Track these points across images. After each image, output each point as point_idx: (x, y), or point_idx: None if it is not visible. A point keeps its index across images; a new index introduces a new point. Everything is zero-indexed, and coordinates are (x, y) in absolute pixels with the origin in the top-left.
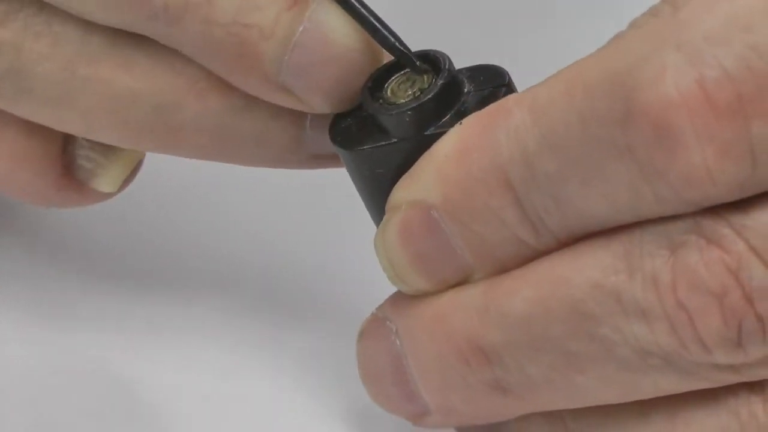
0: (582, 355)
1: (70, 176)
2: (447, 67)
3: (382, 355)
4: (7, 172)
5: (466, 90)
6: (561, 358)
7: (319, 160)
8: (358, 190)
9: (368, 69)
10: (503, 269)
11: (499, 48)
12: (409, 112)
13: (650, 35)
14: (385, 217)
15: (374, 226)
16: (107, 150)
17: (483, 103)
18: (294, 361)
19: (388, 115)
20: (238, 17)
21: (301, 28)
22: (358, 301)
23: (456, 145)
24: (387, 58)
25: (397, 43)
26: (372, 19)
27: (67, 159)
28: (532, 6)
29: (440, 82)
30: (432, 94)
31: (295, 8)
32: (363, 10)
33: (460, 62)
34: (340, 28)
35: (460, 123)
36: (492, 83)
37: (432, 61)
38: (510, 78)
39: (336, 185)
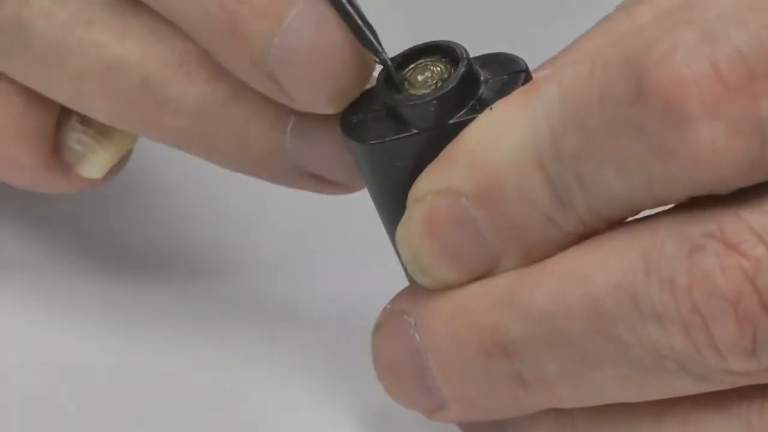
0: (598, 353)
1: (60, 157)
2: (465, 56)
3: (400, 349)
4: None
5: (482, 78)
6: (578, 355)
7: (296, 176)
8: (371, 185)
9: (363, 67)
10: (531, 257)
11: (499, 45)
12: (434, 102)
13: (665, 15)
14: (407, 211)
15: (379, 221)
16: (99, 134)
17: (503, 89)
18: (297, 357)
19: (411, 106)
20: None
21: (294, 12)
22: (361, 297)
23: (486, 130)
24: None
25: (381, 50)
26: (358, 20)
27: (58, 139)
28: (532, 4)
29: (462, 70)
30: (455, 82)
31: None
32: (350, 9)
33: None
34: (333, 19)
35: (491, 108)
36: (508, 69)
37: (446, 50)
38: (527, 64)
39: None
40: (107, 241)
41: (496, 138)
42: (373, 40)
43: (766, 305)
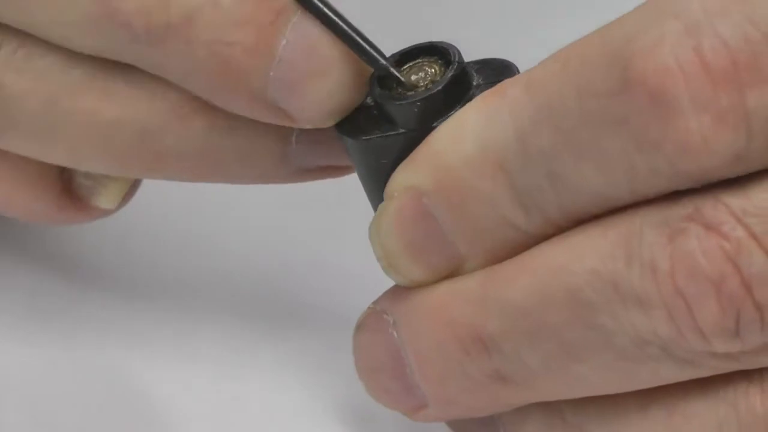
0: (580, 343)
1: (71, 195)
2: (456, 59)
3: (380, 348)
4: (7, 195)
5: (475, 83)
6: (559, 346)
7: (305, 173)
8: (362, 180)
9: (357, 81)
10: (495, 258)
11: (495, 47)
12: (418, 104)
13: (648, 8)
14: (380, 205)
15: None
16: None
17: None
18: (292, 360)
19: (397, 106)
20: (220, 35)
21: (284, 42)
22: (355, 298)
23: (451, 130)
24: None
25: (376, 55)
26: (350, 31)
27: (66, 178)
28: (529, 5)
29: (450, 74)
30: (441, 86)
31: (276, 22)
32: (341, 24)
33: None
34: (323, 40)
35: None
36: (500, 76)
37: (441, 52)
38: (519, 71)
39: (335, 181)
40: (106, 246)
41: (458, 138)
42: (371, 50)
43: (749, 286)
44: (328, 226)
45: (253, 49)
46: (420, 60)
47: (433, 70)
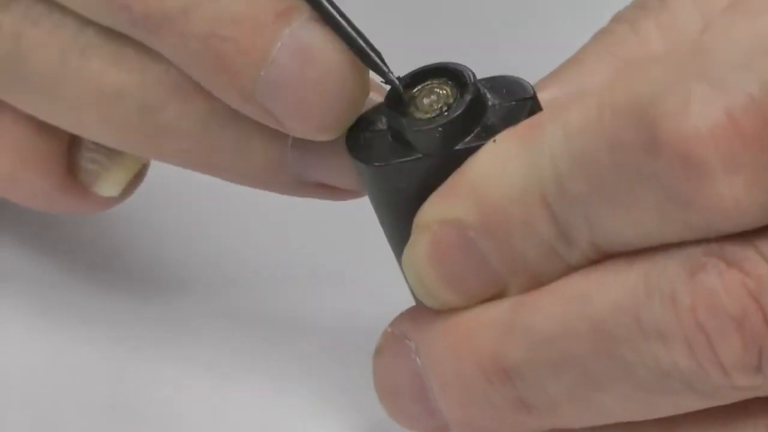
0: (602, 373)
1: (74, 179)
2: (473, 81)
3: (402, 372)
4: (12, 171)
5: (490, 103)
6: (582, 376)
7: (302, 186)
8: (375, 205)
9: (355, 95)
10: (537, 284)
11: (494, 48)
12: (439, 129)
13: (673, 62)
14: (413, 236)
15: (381, 232)
16: (111, 153)
17: (509, 116)
18: (297, 371)
19: (417, 131)
20: (215, 30)
21: (279, 45)
22: (364, 309)
23: (491, 163)
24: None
25: (387, 71)
26: (361, 43)
27: (71, 161)
28: (527, 7)
29: (468, 96)
30: (462, 109)
31: (275, 24)
32: (353, 33)
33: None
34: (322, 49)
35: (494, 140)
36: (515, 96)
37: (453, 73)
38: (534, 91)
39: None
40: (108, 248)
41: (500, 171)
42: (379, 62)
43: None
44: (333, 238)
45: (246, 47)
46: (429, 82)
47: (444, 92)
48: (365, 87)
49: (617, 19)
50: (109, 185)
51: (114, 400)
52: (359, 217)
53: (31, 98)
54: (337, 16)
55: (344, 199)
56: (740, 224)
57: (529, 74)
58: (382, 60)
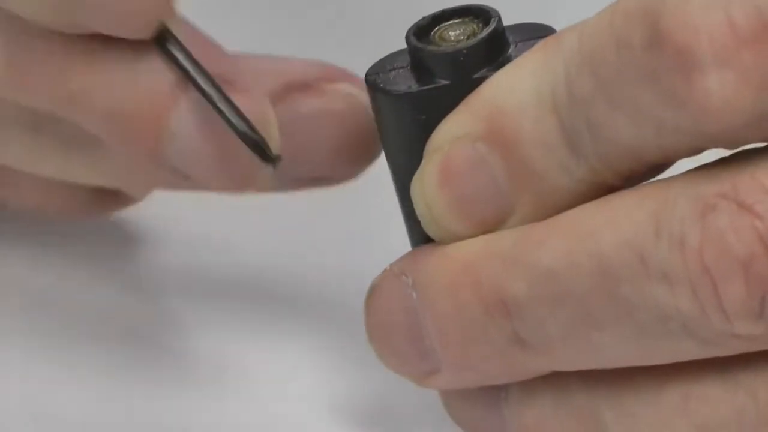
0: (602, 313)
1: (103, 190)
2: (497, 15)
3: (396, 310)
4: (43, 199)
5: (511, 41)
6: (581, 314)
7: (289, 183)
8: (389, 143)
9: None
10: (544, 206)
11: None
12: (464, 52)
13: None
14: (424, 161)
15: (384, 215)
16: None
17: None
18: (297, 353)
19: (439, 56)
20: (116, 106)
21: (173, 116)
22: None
23: (507, 78)
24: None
25: (245, 128)
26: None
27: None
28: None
29: (493, 25)
30: (485, 34)
31: (173, 94)
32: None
33: None
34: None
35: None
36: (537, 34)
37: (477, 12)
38: (554, 29)
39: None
40: (110, 237)
41: (514, 84)
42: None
43: None
44: (333, 221)
45: (145, 120)
46: (454, 20)
47: (470, 28)
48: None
49: None
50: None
51: (113, 400)
52: (359, 212)
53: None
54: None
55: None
56: (728, 128)
57: None
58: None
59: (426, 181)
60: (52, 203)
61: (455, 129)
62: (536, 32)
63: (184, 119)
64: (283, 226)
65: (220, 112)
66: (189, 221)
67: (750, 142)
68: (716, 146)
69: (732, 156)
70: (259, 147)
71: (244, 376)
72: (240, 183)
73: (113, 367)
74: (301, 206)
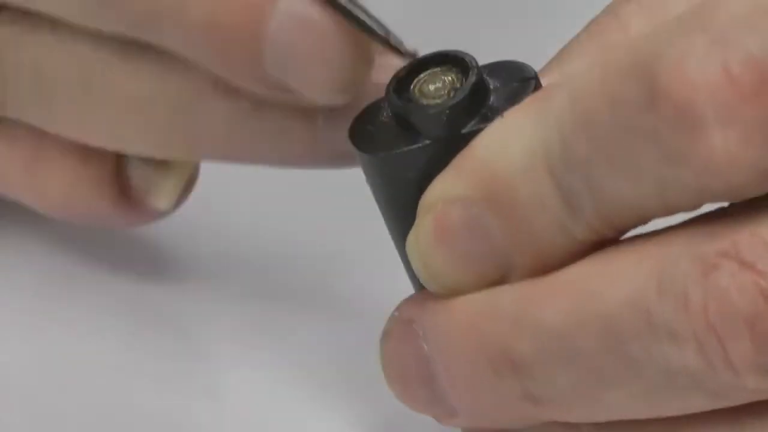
0: (611, 371)
1: (127, 196)
2: (475, 64)
3: (409, 357)
4: (65, 198)
5: (492, 87)
6: (590, 373)
7: (336, 159)
8: (381, 197)
9: (361, 53)
10: (544, 264)
11: (495, 44)
12: (447, 111)
13: (677, 21)
14: (418, 219)
15: (382, 219)
16: (159, 165)
17: (513, 97)
18: (304, 358)
19: (424, 116)
20: (212, 18)
21: (276, 21)
22: (366, 298)
23: (497, 137)
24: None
25: (382, 35)
26: (356, 10)
27: (122, 180)
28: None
29: (473, 79)
30: (467, 92)
31: (269, 1)
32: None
33: None
34: (317, 16)
35: (502, 116)
36: (517, 77)
37: (455, 60)
38: (536, 71)
39: (343, 176)
40: (109, 235)
41: (506, 144)
42: (374, 27)
43: None
44: (338, 222)
45: (246, 29)
46: (431, 70)
47: (449, 79)
48: (366, 49)
49: (605, 8)
50: (161, 197)
51: (113, 398)
52: (359, 205)
53: (67, 125)
54: None
55: None
56: (733, 184)
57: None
58: (380, 25)
59: (421, 239)
60: (76, 204)
61: (448, 189)
62: (515, 75)
63: (283, 24)
64: (283, 218)
65: (351, 15)
66: (191, 214)
67: (752, 196)
68: (719, 201)
69: (731, 208)
70: (395, 46)
71: (246, 376)
72: (342, 88)
73: (114, 365)
74: (308, 200)
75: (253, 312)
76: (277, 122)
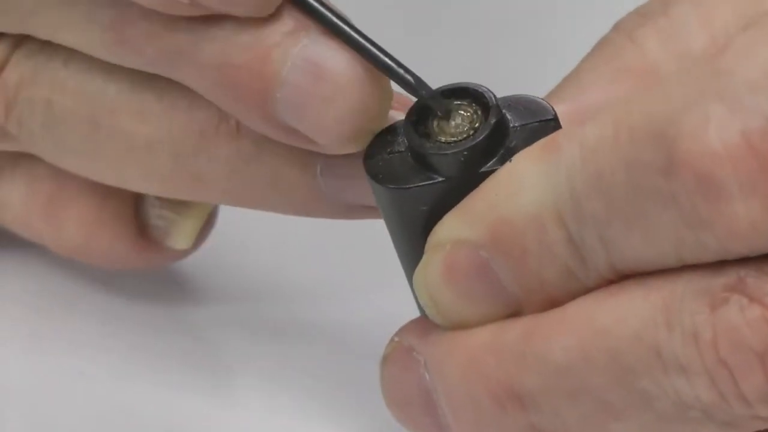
0: (620, 404)
1: (146, 237)
2: (495, 103)
3: (410, 385)
4: (85, 240)
5: (512, 126)
6: (598, 406)
7: (347, 209)
8: (393, 227)
9: (372, 104)
10: (552, 304)
11: (495, 50)
12: (465, 153)
13: (691, 81)
14: (426, 255)
15: (387, 239)
16: (178, 206)
17: (532, 138)
18: (306, 377)
19: (442, 156)
20: (227, 59)
21: (289, 64)
22: (368, 317)
23: (506, 183)
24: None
25: (407, 75)
26: (374, 50)
27: (140, 221)
28: (528, 8)
29: (493, 120)
30: (486, 133)
31: (283, 44)
32: (364, 42)
33: (461, 66)
34: (332, 62)
35: (510, 161)
36: (536, 117)
37: (474, 94)
38: (555, 112)
39: None
40: None
41: (516, 192)
42: (395, 67)
43: None
44: (339, 239)
45: (258, 72)
46: (451, 103)
47: (468, 114)
48: (385, 94)
49: (617, 28)
50: (180, 238)
51: (114, 405)
52: (364, 225)
53: (76, 162)
54: (347, 29)
55: None
56: (756, 247)
57: (529, 79)
58: (400, 65)
59: (430, 276)
60: (95, 245)
61: (458, 230)
62: (534, 113)
63: (296, 69)
64: (287, 237)
65: (370, 54)
66: None
67: None
68: (737, 257)
69: None
70: (411, 85)
71: (248, 384)
72: (354, 138)
73: (116, 368)
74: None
75: (261, 326)
76: (275, 168)
